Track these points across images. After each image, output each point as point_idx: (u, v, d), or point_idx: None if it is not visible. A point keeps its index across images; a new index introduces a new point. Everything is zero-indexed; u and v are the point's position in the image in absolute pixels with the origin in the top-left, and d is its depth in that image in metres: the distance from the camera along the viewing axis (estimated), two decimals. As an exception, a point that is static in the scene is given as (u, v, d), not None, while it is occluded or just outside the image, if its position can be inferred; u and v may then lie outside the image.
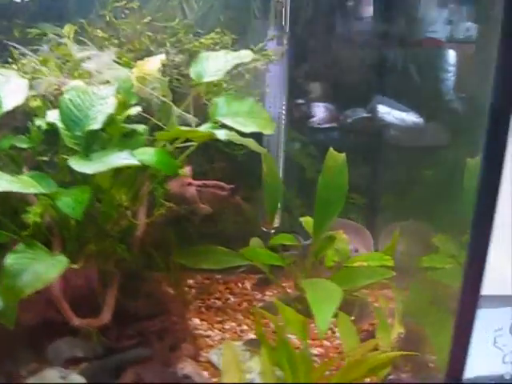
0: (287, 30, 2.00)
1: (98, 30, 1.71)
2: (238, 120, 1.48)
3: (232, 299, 2.06)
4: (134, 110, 1.45)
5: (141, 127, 1.47)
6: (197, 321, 1.92)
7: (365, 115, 2.33)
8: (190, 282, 2.15)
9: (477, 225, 1.34)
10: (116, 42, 1.68)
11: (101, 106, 1.44)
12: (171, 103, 1.47)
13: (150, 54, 1.72)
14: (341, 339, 1.73)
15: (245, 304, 2.04)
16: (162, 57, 1.57)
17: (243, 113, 1.50)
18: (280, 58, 2.00)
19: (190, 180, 1.63)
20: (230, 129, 1.48)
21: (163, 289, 1.74)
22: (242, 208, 1.77)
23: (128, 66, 1.59)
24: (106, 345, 1.70)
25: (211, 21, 1.96)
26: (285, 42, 2.00)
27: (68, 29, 1.71)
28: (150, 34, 1.77)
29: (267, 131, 1.52)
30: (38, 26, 1.78)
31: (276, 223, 2.12)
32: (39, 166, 1.57)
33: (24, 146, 1.50)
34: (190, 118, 1.46)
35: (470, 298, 1.39)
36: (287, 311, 1.53)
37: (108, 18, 1.77)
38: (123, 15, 1.83)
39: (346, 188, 1.84)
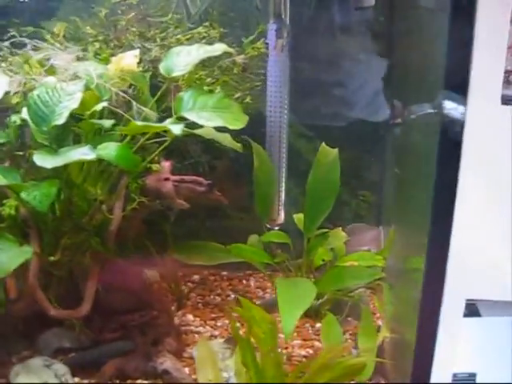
0: (287, 22, 1.94)
1: (88, 27, 1.73)
2: (202, 115, 1.46)
3: (232, 296, 2.04)
4: (100, 106, 1.46)
5: (108, 122, 1.48)
6: (190, 317, 1.91)
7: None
8: (195, 277, 2.14)
9: (435, 229, 1.26)
10: (101, 38, 1.69)
11: (68, 101, 1.47)
12: (130, 98, 1.47)
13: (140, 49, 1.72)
14: (322, 340, 1.67)
15: (244, 301, 2.01)
16: (136, 52, 1.57)
17: (209, 107, 1.48)
18: (280, 51, 1.95)
19: (168, 175, 1.63)
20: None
21: (147, 283, 1.74)
22: (222, 204, 1.74)
23: (106, 62, 1.60)
24: (92, 337, 1.73)
25: (213, 14, 1.95)
26: (285, 34, 1.95)
27: (59, 27, 1.75)
28: (141, 29, 1.78)
29: (236, 125, 1.49)
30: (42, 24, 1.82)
31: (280, 220, 2.07)
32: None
33: (0, 140, 1.54)
34: (150, 112, 1.45)
35: (431, 301, 1.31)
36: (254, 310, 1.49)
37: (102, 15, 1.78)
38: (120, 12, 1.84)
39: (338, 184, 1.77)
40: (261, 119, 1.98)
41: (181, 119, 1.46)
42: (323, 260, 1.81)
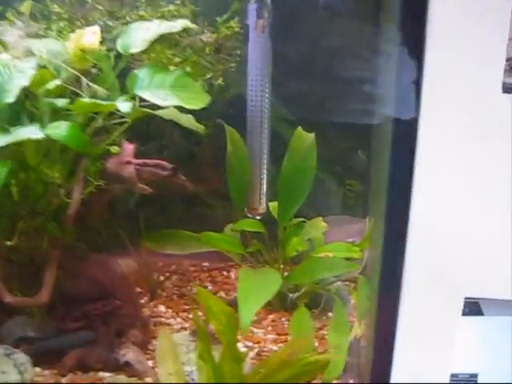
0: (269, 2, 1.85)
1: (55, 6, 1.67)
2: (158, 93, 1.38)
3: (210, 287, 1.97)
4: (52, 84, 1.40)
5: (61, 101, 1.41)
6: (162, 308, 1.84)
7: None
8: (174, 267, 2.07)
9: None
10: (66, 16, 1.62)
11: (18, 79, 1.40)
12: (80, 75, 1.40)
13: (106, 28, 1.66)
14: (290, 335, 1.58)
15: (221, 293, 1.93)
16: (95, 28, 1.50)
17: (167, 86, 1.40)
18: (261, 31, 1.86)
19: (130, 158, 1.55)
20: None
21: (110, 271, 1.67)
22: (188, 189, 1.66)
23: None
24: (56, 326, 1.67)
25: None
26: (266, 14, 1.85)
27: (26, 5, 1.69)
28: (111, 8, 1.71)
29: (195, 105, 1.41)
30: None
31: (262, 209, 1.98)
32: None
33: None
34: (100, 90, 1.38)
35: (388, 296, 1.21)
36: (211, 300, 1.41)
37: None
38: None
39: (314, 171, 1.68)
40: (242, 103, 1.90)
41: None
42: (297, 251, 1.71)
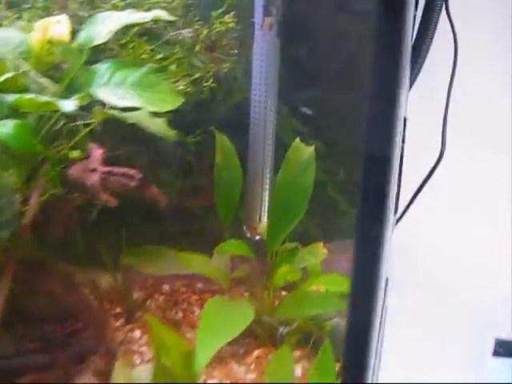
0: (277, -2, 1.65)
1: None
2: (117, 92, 1.19)
3: (197, 312, 1.76)
4: (2, 78, 1.24)
5: (10, 97, 1.25)
6: (137, 333, 1.65)
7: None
8: (166, 288, 1.88)
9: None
10: (40, 5, 1.47)
11: (-32, 70, 1.25)
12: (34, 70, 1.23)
13: (81, 19, 1.50)
14: (265, 378, 1.36)
15: (209, 320, 1.72)
16: (63, 17, 1.33)
17: (128, 84, 1.21)
18: (268, 30, 1.66)
19: (96, 166, 1.38)
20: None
21: (73, 288, 1.50)
22: (160, 202, 1.46)
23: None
24: (11, 346, 1.51)
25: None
26: (274, 11, 1.65)
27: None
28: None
29: (162, 107, 1.22)
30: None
31: (263, 228, 1.77)
32: None
33: None
34: (49, 86, 1.21)
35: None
36: (165, 334, 1.21)
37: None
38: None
39: (311, 189, 1.46)
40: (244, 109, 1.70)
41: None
42: (286, 280, 1.48)
